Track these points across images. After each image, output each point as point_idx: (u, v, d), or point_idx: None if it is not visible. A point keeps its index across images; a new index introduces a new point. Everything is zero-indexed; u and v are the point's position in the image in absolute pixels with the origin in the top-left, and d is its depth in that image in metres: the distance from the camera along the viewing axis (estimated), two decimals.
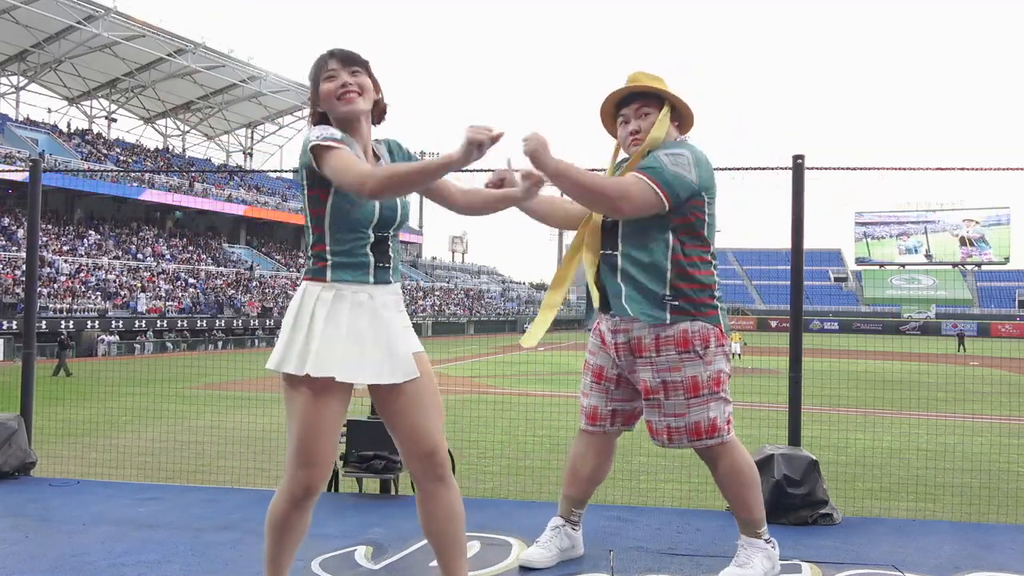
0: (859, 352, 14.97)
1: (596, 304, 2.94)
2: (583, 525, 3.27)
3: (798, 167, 3.96)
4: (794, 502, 3.59)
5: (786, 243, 4.05)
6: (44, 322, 27.80)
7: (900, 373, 14.15)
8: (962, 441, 9.07)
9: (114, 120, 51.83)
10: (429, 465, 2.27)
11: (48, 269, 33.10)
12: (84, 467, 6.33)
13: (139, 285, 36.89)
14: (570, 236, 3.12)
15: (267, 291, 44.20)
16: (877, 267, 76.24)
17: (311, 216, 2.24)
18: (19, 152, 37.35)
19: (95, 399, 12.80)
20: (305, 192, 2.23)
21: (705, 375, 2.74)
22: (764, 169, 4.29)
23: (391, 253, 2.29)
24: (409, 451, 2.29)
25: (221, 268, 44.55)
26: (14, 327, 26.90)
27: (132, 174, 40.32)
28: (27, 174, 4.66)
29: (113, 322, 32.04)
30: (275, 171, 5.06)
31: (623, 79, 2.90)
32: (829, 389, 9.91)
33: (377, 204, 2.22)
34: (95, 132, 49.60)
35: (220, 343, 35.26)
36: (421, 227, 71.22)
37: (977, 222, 72.81)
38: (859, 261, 77.37)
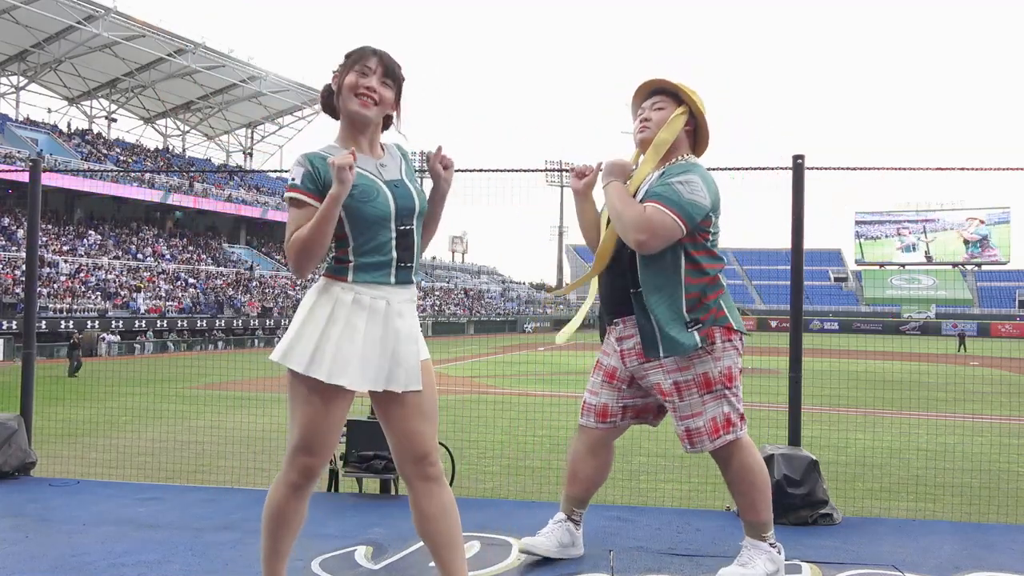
0: (859, 352, 14.98)
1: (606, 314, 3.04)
2: (584, 525, 3.28)
3: (798, 167, 3.96)
4: (794, 502, 3.59)
5: (786, 243, 4.05)
6: (44, 322, 27.80)
7: (900, 373, 14.15)
8: (962, 441, 9.07)
9: (114, 120, 51.85)
10: (420, 466, 2.29)
11: (48, 269, 33.10)
12: (84, 467, 6.33)
13: (139, 285, 36.88)
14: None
15: (267, 291, 44.20)
16: (877, 267, 76.23)
17: None
18: (19, 152, 37.34)
19: (95, 399, 12.81)
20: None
21: (716, 370, 2.77)
22: (764, 169, 4.29)
23: (414, 250, 2.29)
24: (402, 454, 2.31)
25: (221, 268, 44.55)
26: (14, 327, 26.89)
27: (132, 174, 40.29)
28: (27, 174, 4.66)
29: (113, 322, 32.03)
30: (275, 171, 5.06)
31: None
32: (829, 389, 9.91)
33: (391, 195, 2.23)
34: (95, 132, 49.60)
35: (220, 343, 35.26)
36: None
37: (982, 221, 72.76)
38: (859, 261, 77.36)
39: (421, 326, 2.37)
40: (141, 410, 11.42)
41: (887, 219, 76.43)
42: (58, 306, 30.64)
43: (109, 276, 36.35)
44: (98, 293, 34.04)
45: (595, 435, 3.03)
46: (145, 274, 38.67)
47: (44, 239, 35.21)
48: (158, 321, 34.56)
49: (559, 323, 61.12)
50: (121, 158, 46.91)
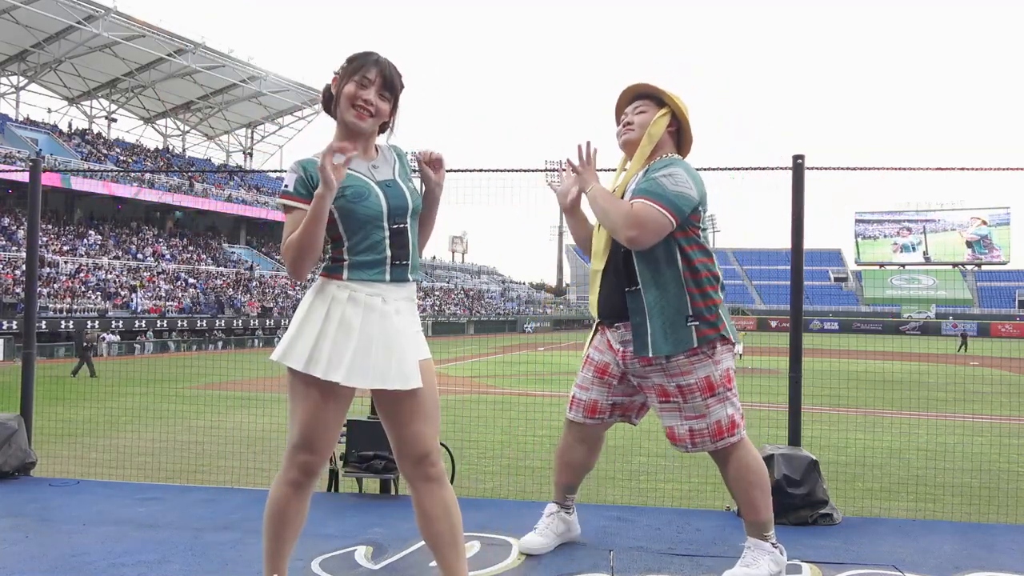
0: (859, 352, 14.99)
1: (595, 314, 3.02)
2: (583, 525, 3.29)
3: (798, 167, 3.96)
4: (794, 502, 3.59)
5: (786, 243, 4.05)
6: (44, 322, 27.80)
7: (900, 373, 14.16)
8: (962, 441, 9.07)
9: (114, 120, 51.84)
10: (421, 466, 2.30)
11: (48, 269, 33.09)
12: (84, 467, 6.33)
13: (138, 284, 36.88)
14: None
15: (267, 291, 44.21)
16: (877, 267, 76.22)
17: (326, 227, 2.25)
18: (19, 152, 37.35)
19: (95, 399, 12.81)
20: None
21: (717, 374, 2.80)
22: (764, 169, 4.29)
23: (410, 248, 2.30)
24: (403, 453, 2.32)
25: (221, 268, 44.55)
26: (14, 327, 26.89)
27: (132, 174, 40.30)
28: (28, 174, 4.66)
29: (113, 322, 32.03)
30: (275, 171, 5.06)
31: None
32: (829, 389, 9.92)
33: (382, 195, 2.26)
34: (95, 132, 49.60)
35: (220, 343, 35.26)
36: None
37: (984, 221, 72.75)
38: (859, 261, 77.36)
39: (422, 326, 2.38)
40: (141, 410, 11.42)
41: (887, 219, 76.42)
42: (58, 306, 30.64)
43: (109, 276, 36.35)
44: (98, 293, 34.04)
45: (583, 430, 3.08)
46: (145, 274, 38.67)
47: (44, 239, 35.22)
48: (158, 321, 34.57)
49: (559, 323, 61.15)
50: (121, 158, 46.92)
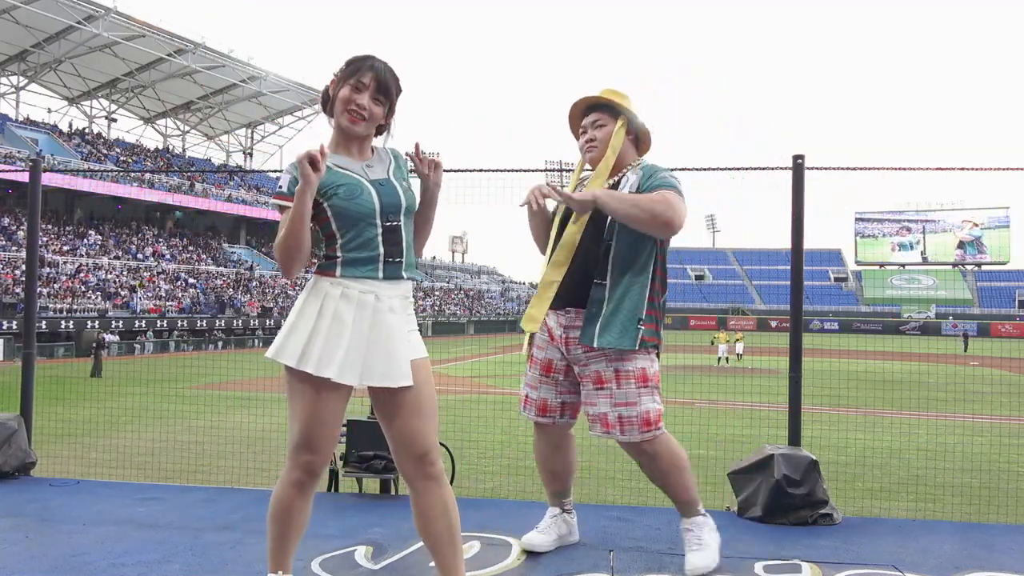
0: (859, 352, 14.99)
1: (531, 326, 3.00)
2: (583, 525, 3.29)
3: (798, 167, 3.96)
4: (794, 502, 3.59)
5: (786, 243, 4.04)
6: (44, 322, 27.80)
7: (900, 373, 14.16)
8: (962, 441, 9.07)
9: (114, 120, 51.86)
10: (420, 465, 2.30)
11: (48, 269, 33.09)
12: (84, 467, 6.33)
13: (138, 284, 36.88)
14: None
15: (267, 291, 44.21)
16: (877, 267, 76.21)
17: (320, 225, 2.29)
18: (19, 152, 37.35)
19: (95, 399, 12.81)
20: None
21: (651, 370, 2.92)
22: (764, 169, 4.29)
23: (403, 246, 2.31)
24: (401, 452, 2.32)
25: (221, 268, 44.55)
26: (14, 327, 26.89)
27: (132, 174, 40.31)
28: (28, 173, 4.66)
29: (113, 322, 32.03)
30: (275, 171, 5.06)
31: (596, 92, 3.06)
32: (829, 389, 9.93)
33: (375, 193, 2.27)
34: (95, 132, 49.60)
35: (220, 343, 35.26)
36: None
37: (976, 224, 72.77)
38: (859, 261, 77.36)
39: (421, 326, 2.38)
40: (141, 410, 11.43)
41: (887, 219, 76.41)
42: (58, 306, 30.64)
43: (109, 276, 36.35)
44: (98, 293, 34.04)
45: (549, 430, 3.10)
46: (145, 274, 38.67)
47: (44, 239, 35.21)
48: (158, 321, 34.57)
49: None
50: (121, 158, 46.92)
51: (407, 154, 2.43)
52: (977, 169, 4.57)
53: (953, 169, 4.57)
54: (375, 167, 2.35)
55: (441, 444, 4.39)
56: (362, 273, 2.24)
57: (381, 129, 2.41)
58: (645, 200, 2.78)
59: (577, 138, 3.11)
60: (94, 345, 20.67)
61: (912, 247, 75.00)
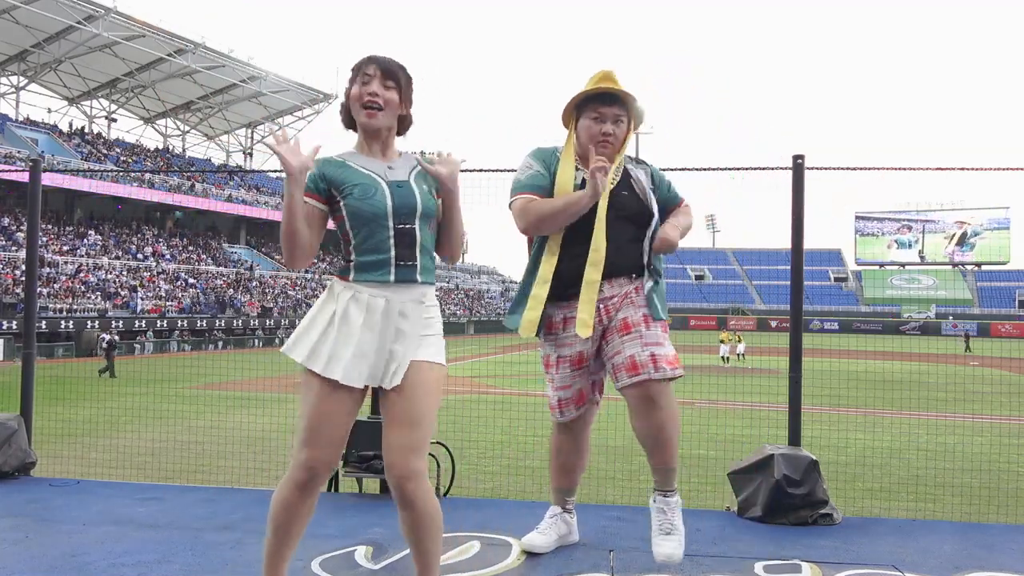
0: (859, 352, 15.00)
1: (591, 309, 2.86)
2: (583, 525, 3.29)
3: (798, 167, 3.96)
4: (794, 502, 3.59)
5: (786, 243, 4.05)
6: (44, 322, 27.79)
7: (900, 373, 14.16)
8: (962, 441, 9.07)
9: (114, 120, 51.85)
10: (392, 477, 2.26)
11: (48, 269, 33.09)
12: (84, 467, 6.33)
13: (138, 284, 36.88)
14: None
15: (267, 291, 44.20)
16: (877, 267, 76.21)
17: (336, 224, 2.33)
18: (19, 152, 37.35)
19: (95, 399, 12.81)
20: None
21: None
22: (764, 169, 4.29)
23: (417, 249, 2.30)
24: (386, 463, 2.29)
25: (221, 268, 44.55)
26: (14, 327, 26.89)
27: (132, 174, 40.30)
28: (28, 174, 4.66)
29: (113, 322, 32.03)
30: (275, 171, 5.05)
31: (601, 70, 2.95)
32: (829, 389, 9.93)
33: (389, 194, 2.28)
34: (95, 132, 49.60)
35: (220, 343, 35.26)
36: None
37: (967, 222, 72.76)
38: (859, 261, 77.37)
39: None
40: (141, 410, 11.43)
41: (887, 219, 76.41)
42: (58, 306, 30.63)
43: (109, 276, 36.35)
44: (98, 293, 34.04)
45: (577, 423, 3.08)
46: (145, 274, 38.67)
47: (44, 239, 35.21)
48: (158, 321, 34.56)
49: None
50: (121, 158, 46.92)
51: (419, 153, 2.44)
52: (977, 169, 4.58)
53: (953, 169, 4.57)
54: (397, 168, 2.35)
55: (441, 444, 4.41)
56: (373, 277, 2.25)
57: (406, 124, 2.41)
58: (687, 222, 3.04)
59: (575, 116, 2.95)
60: (105, 347, 20.76)
61: (911, 246, 75.00)
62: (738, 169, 4.35)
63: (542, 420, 9.07)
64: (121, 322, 32.45)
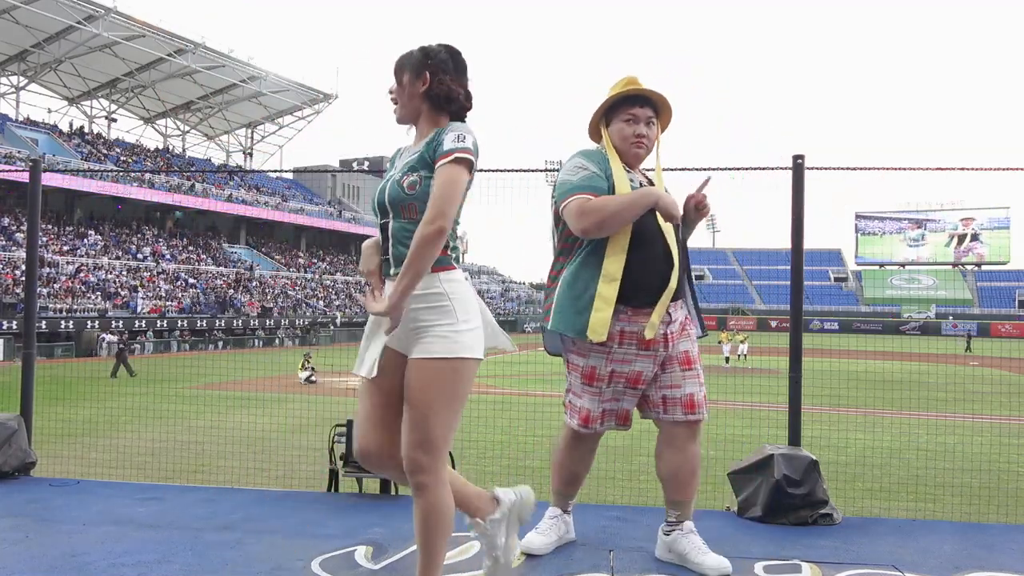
0: (859, 352, 14.98)
1: (600, 333, 2.79)
2: (583, 525, 3.30)
3: (798, 167, 3.96)
4: (794, 502, 3.59)
5: (786, 243, 4.05)
6: (44, 322, 27.78)
7: (900, 373, 14.16)
8: (962, 441, 9.07)
9: (114, 120, 51.87)
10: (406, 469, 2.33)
11: (48, 269, 33.09)
12: (84, 467, 6.33)
13: (138, 284, 36.87)
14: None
15: (267, 291, 44.19)
16: (877, 267, 76.22)
17: None
18: (19, 152, 37.34)
19: (95, 399, 12.81)
20: None
21: None
22: (764, 169, 4.29)
23: (390, 244, 2.32)
24: None
25: (221, 268, 44.54)
26: (14, 327, 26.89)
27: (132, 174, 40.30)
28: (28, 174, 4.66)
29: (113, 322, 32.02)
30: (275, 171, 5.06)
31: (625, 76, 2.97)
32: (829, 389, 9.92)
33: (380, 188, 2.38)
34: (95, 132, 49.60)
35: (220, 343, 35.26)
36: None
37: (967, 222, 72.74)
38: (859, 261, 77.37)
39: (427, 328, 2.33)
40: (141, 410, 11.44)
41: (887, 219, 76.41)
42: (58, 306, 30.63)
43: (109, 276, 36.34)
44: (98, 293, 34.04)
45: (598, 437, 3.08)
46: (145, 274, 38.66)
47: (44, 239, 35.21)
48: (158, 321, 34.56)
49: None
50: (121, 158, 46.91)
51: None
52: (977, 169, 4.58)
53: (953, 169, 4.57)
54: (406, 157, 2.38)
55: None
56: (386, 271, 2.37)
57: (440, 100, 2.35)
58: None
59: (604, 122, 2.94)
60: (120, 347, 20.82)
61: (914, 248, 74.99)
62: (738, 169, 4.35)
63: (542, 420, 9.08)
64: (121, 322, 32.45)
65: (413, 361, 2.27)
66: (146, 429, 10.01)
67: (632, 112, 2.88)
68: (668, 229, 2.86)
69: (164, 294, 37.43)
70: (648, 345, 2.81)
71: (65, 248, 37.11)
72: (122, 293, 35.21)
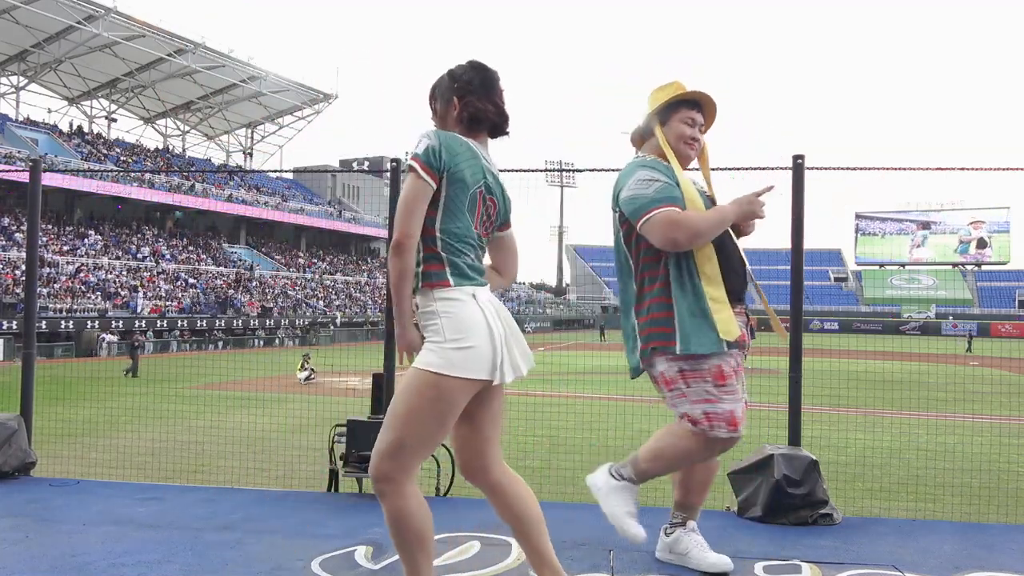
0: (859, 352, 14.97)
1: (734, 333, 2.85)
2: (583, 525, 3.30)
3: (798, 167, 3.96)
4: (794, 502, 3.59)
5: (786, 243, 4.05)
6: (44, 322, 27.78)
7: (900, 373, 14.16)
8: (962, 441, 9.07)
9: (114, 120, 51.86)
10: None
11: (48, 269, 33.09)
12: (84, 467, 6.33)
13: (138, 284, 36.87)
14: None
15: (267, 291, 44.19)
16: (877, 267, 76.20)
17: None
18: (19, 152, 37.34)
19: (95, 399, 12.80)
20: None
21: None
22: (764, 169, 4.29)
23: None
24: None
25: (221, 268, 44.55)
26: (14, 327, 26.89)
27: (132, 174, 40.30)
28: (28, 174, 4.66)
29: (113, 322, 32.01)
30: (275, 171, 5.06)
31: (673, 80, 2.98)
32: (829, 389, 9.90)
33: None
34: (95, 132, 49.60)
35: (220, 343, 35.25)
36: None
37: (977, 224, 72.74)
38: (859, 261, 77.36)
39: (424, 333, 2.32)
40: (141, 410, 11.44)
41: (887, 219, 76.38)
42: (58, 306, 30.62)
43: (109, 276, 36.34)
44: (98, 293, 34.03)
45: None
46: (145, 274, 38.66)
47: (44, 239, 35.21)
48: (158, 321, 34.55)
49: (559, 323, 61.10)
50: (121, 158, 46.91)
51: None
52: (977, 169, 4.58)
53: (953, 169, 4.58)
54: None
55: (442, 444, 4.41)
56: None
57: (470, 120, 2.40)
58: None
59: (662, 115, 2.90)
60: (135, 344, 20.87)
61: (914, 248, 74.97)
62: (738, 169, 4.34)
63: (542, 420, 9.08)
64: (121, 322, 32.44)
65: (412, 369, 2.28)
66: (146, 429, 10.01)
67: (692, 116, 2.91)
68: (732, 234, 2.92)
69: (164, 294, 37.43)
70: (740, 340, 2.87)
71: (65, 248, 37.10)
72: (122, 293, 35.20)
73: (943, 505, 6.03)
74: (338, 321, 42.94)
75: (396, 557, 3.09)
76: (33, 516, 3.67)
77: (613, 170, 5.11)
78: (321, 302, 46.84)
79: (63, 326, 29.64)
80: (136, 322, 33.33)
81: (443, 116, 2.41)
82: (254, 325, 39.22)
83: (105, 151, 46.75)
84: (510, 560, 3.05)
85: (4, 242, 34.62)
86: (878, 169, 4.66)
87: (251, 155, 59.47)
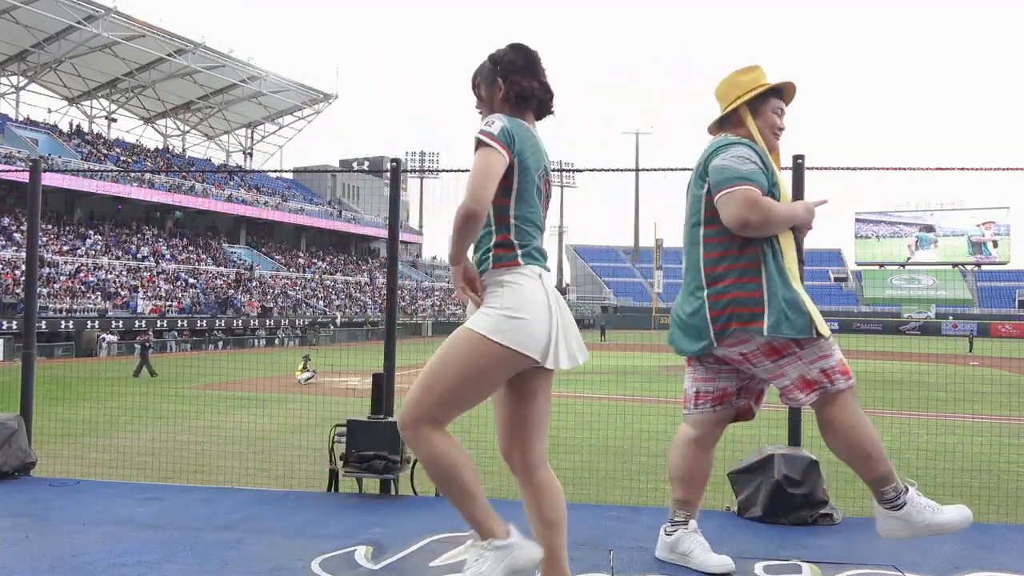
0: (859, 352, 14.96)
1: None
2: (583, 525, 3.29)
3: (798, 167, 3.96)
4: (794, 502, 3.59)
5: None
6: (44, 322, 27.79)
7: (900, 373, 14.15)
8: (962, 441, 9.06)
9: (114, 120, 51.87)
10: None
11: (48, 269, 33.09)
12: (84, 467, 6.33)
13: (138, 284, 36.88)
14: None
15: (267, 291, 44.20)
16: (877, 267, 76.19)
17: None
18: (19, 152, 37.34)
19: (95, 399, 12.80)
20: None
21: None
22: None
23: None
24: None
25: (221, 268, 44.55)
26: (14, 327, 26.89)
27: (132, 174, 40.31)
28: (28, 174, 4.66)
29: (113, 322, 32.01)
30: (275, 171, 5.07)
31: (755, 65, 2.97)
32: None
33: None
34: (95, 132, 49.60)
35: (220, 343, 35.25)
36: (421, 227, 71.22)
37: (987, 225, 72.72)
38: (859, 261, 77.35)
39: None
40: (141, 410, 11.44)
41: (887, 219, 76.37)
42: (58, 306, 30.63)
43: (109, 276, 36.34)
44: (98, 293, 34.03)
45: None
46: (145, 274, 38.66)
47: (44, 239, 35.21)
48: (158, 321, 34.55)
49: None
50: (121, 158, 46.91)
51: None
52: (977, 169, 4.59)
53: (953, 169, 4.59)
54: None
55: None
56: None
57: (517, 100, 2.38)
58: None
59: (753, 103, 2.87)
60: (145, 344, 20.87)
61: (914, 249, 74.96)
62: None
63: None
64: (121, 322, 32.44)
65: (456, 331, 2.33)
66: (146, 429, 10.00)
67: (781, 105, 2.91)
68: None
69: (164, 294, 37.43)
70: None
71: (65, 248, 37.10)
72: (122, 293, 35.20)
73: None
74: (338, 321, 42.95)
75: (396, 557, 3.10)
76: (33, 516, 3.67)
77: (613, 170, 5.12)
78: (321, 302, 46.85)
79: (63, 326, 29.64)
80: (136, 322, 33.34)
81: (489, 100, 2.40)
82: (254, 325, 39.23)
83: (105, 151, 46.76)
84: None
85: (4, 242, 34.62)
86: (878, 169, 4.67)
87: (251, 155, 59.48)
